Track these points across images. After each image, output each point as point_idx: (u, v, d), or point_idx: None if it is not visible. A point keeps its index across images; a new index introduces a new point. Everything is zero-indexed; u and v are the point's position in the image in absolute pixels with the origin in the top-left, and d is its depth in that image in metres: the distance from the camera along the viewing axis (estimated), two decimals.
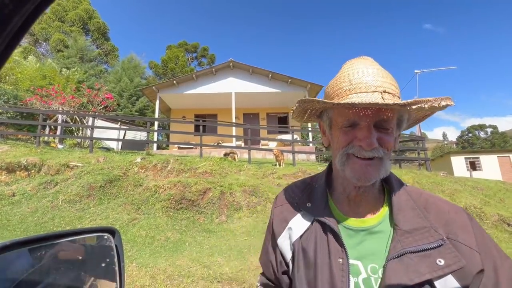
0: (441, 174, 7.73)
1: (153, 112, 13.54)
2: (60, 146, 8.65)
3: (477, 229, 0.51)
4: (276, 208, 0.68)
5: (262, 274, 0.75)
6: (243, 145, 12.03)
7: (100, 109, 10.41)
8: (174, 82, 11.58)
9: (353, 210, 0.58)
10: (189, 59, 34.77)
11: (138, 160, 6.91)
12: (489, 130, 49.56)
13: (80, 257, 0.54)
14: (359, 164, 0.51)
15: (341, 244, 0.53)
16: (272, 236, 0.66)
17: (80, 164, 6.65)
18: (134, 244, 4.16)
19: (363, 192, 0.56)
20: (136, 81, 23.66)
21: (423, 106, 0.47)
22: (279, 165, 7.94)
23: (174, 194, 5.53)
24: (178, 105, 13.70)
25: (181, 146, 11.29)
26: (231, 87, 11.81)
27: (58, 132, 9.17)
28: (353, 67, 0.55)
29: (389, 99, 0.48)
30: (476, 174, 17.26)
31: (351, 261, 0.53)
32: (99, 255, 0.61)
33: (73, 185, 5.70)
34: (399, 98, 0.52)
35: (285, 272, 0.63)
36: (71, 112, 9.05)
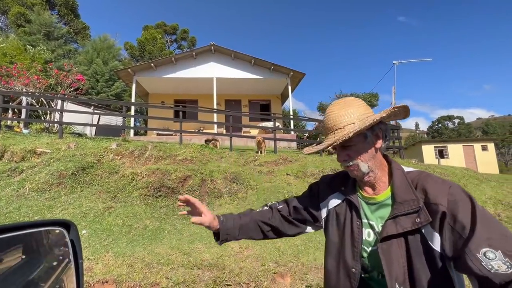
0: (413, 161, 8.17)
1: (131, 96, 12.86)
2: (25, 131, 7.99)
3: (454, 195, 0.74)
4: (321, 186, 1.02)
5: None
6: (224, 132, 11.89)
7: (70, 92, 9.66)
8: (152, 65, 10.97)
9: (369, 191, 0.88)
10: (168, 41, 33.13)
11: (114, 146, 6.58)
12: (456, 121, 52.91)
13: (23, 257, 0.46)
14: (348, 170, 0.88)
15: (359, 214, 0.87)
16: (315, 195, 1.02)
17: (48, 151, 6.22)
18: (110, 233, 4.01)
19: (368, 181, 0.87)
20: (111, 63, 22.19)
21: (355, 133, 0.78)
22: (261, 152, 7.96)
23: (152, 182, 5.37)
24: (156, 90, 13.10)
25: (160, 132, 10.92)
26: (212, 72, 11.43)
27: (23, 116, 8.43)
28: (326, 113, 0.88)
29: (338, 134, 0.82)
30: (443, 162, 18.52)
31: (368, 221, 0.86)
32: (49, 253, 0.53)
33: (41, 172, 5.33)
34: (353, 123, 0.82)
35: (312, 218, 1.00)
36: (36, 94, 8.31)
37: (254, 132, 12.10)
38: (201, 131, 11.01)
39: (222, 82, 11.67)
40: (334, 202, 0.94)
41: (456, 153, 20.75)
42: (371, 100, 12.59)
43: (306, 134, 12.54)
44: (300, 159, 7.51)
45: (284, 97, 13.94)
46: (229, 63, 11.65)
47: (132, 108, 10.82)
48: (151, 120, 11.71)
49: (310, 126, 14.86)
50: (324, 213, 0.97)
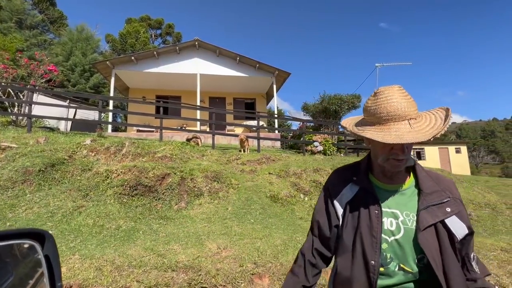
0: None
1: (115, 90, 12.27)
2: None
3: (458, 191, 0.88)
4: (332, 180, 0.98)
5: (310, 233, 1.00)
6: (208, 129, 11.67)
7: (41, 83, 9.04)
8: (133, 58, 10.52)
9: (387, 181, 0.88)
10: (153, 36, 32.18)
11: (88, 142, 6.23)
12: None
13: None
14: (395, 163, 0.81)
15: (377, 201, 0.84)
16: (329, 199, 0.95)
17: (14, 145, 5.78)
18: (78, 234, 3.76)
19: (394, 172, 0.86)
20: (90, 56, 21.15)
21: (442, 132, 0.77)
22: (244, 151, 7.86)
23: (128, 180, 5.12)
24: (137, 84, 12.60)
25: (141, 128, 10.52)
26: (196, 68, 11.15)
27: None
28: (387, 97, 0.79)
29: (415, 127, 0.76)
30: (420, 163, 19.27)
31: (390, 210, 0.84)
32: (11, 276, 0.38)
33: (5, 168, 4.94)
34: (420, 115, 0.82)
35: (336, 226, 0.91)
36: (3, 84, 7.69)
37: (239, 130, 11.96)
38: (184, 128, 10.73)
39: (206, 79, 11.42)
40: (349, 194, 0.90)
41: (432, 155, 21.73)
42: (354, 102, 12.83)
43: (291, 134, 12.57)
44: (283, 159, 7.49)
45: (269, 96, 13.91)
46: (214, 60, 11.42)
47: (111, 102, 10.33)
48: (131, 116, 11.26)
49: (294, 125, 14.95)
50: (340, 210, 0.91)
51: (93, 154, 6.00)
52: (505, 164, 37.95)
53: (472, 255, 0.83)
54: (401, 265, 0.81)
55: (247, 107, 13.62)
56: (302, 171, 6.67)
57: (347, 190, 0.91)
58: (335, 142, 8.77)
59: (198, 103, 10.67)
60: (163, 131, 9.08)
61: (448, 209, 0.81)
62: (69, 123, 11.26)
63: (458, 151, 22.39)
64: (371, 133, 0.79)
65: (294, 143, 11.16)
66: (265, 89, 13.15)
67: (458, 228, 0.80)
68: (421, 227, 0.79)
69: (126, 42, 25.34)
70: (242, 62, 11.43)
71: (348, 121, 0.96)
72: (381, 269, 0.81)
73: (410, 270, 0.81)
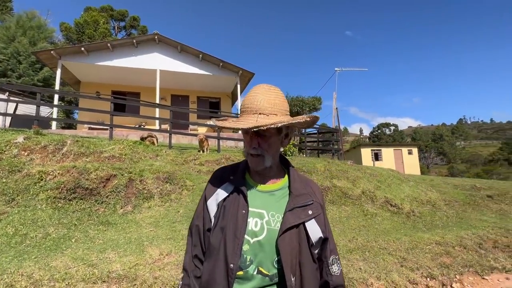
0: (349, 163, 8.79)
1: (64, 84, 11.14)
2: None
3: (322, 196, 0.92)
4: (210, 180, 0.95)
5: (190, 241, 0.93)
6: (169, 128, 11.19)
7: None
8: (83, 49, 9.61)
9: (261, 181, 0.87)
10: (116, 28, 30.19)
11: (20, 140, 5.52)
12: (392, 128, 59.96)
13: None
14: (250, 158, 0.84)
15: (246, 201, 0.82)
16: (204, 199, 0.92)
17: None
18: None
19: (263, 171, 0.85)
20: (40, 45, 19.09)
21: (278, 125, 0.73)
22: (203, 151, 7.63)
23: (65, 182, 4.62)
24: (90, 78, 11.59)
25: (93, 126, 9.69)
26: (156, 63, 10.58)
27: None
28: (251, 93, 0.81)
29: (261, 120, 0.75)
30: (378, 164, 20.67)
31: (257, 210, 0.82)
32: None
33: None
34: (276, 114, 0.78)
35: (209, 229, 0.86)
36: None
37: (202, 130, 11.64)
38: (142, 127, 10.13)
39: (167, 75, 10.90)
40: (222, 194, 0.87)
41: (388, 156, 23.41)
42: (315, 104, 13.27)
43: None
44: (243, 159, 7.42)
45: (235, 96, 13.78)
46: (175, 56, 10.95)
47: (56, 96, 9.33)
48: (82, 112, 10.33)
49: None
50: (213, 211, 0.87)
51: (25, 154, 5.33)
52: (451, 164, 42.39)
53: (331, 259, 0.87)
54: (260, 268, 0.79)
55: (212, 107, 13.32)
56: None
57: (222, 189, 0.88)
58: (297, 143, 8.92)
59: (158, 101, 10.13)
60: (118, 129, 8.49)
61: (310, 212, 0.83)
62: (8, 119, 10.01)
63: (410, 152, 24.41)
64: (225, 122, 0.82)
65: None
66: (230, 88, 12.98)
67: (314, 232, 0.83)
68: (282, 228, 0.78)
69: (83, 33, 23.37)
70: (205, 59, 11.12)
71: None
72: (240, 272, 0.78)
73: (267, 273, 0.79)
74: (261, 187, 0.86)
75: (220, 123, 0.83)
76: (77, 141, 6.04)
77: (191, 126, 11.55)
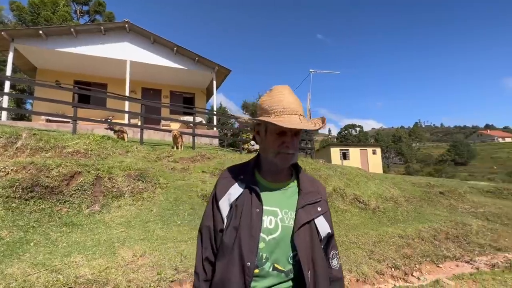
0: (321, 161, 9.15)
1: (16, 70, 9.83)
2: None
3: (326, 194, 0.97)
4: (220, 180, 0.93)
5: (200, 244, 0.92)
6: (139, 123, 10.61)
7: None
8: (41, 32, 8.62)
9: (272, 179, 0.89)
10: (78, 12, 27.67)
11: None
12: (357, 129, 63.48)
13: None
14: (283, 157, 0.83)
15: (259, 199, 0.84)
16: (215, 200, 0.90)
17: None
18: None
19: (281, 169, 0.88)
20: None
21: (316, 129, 0.85)
22: (177, 147, 7.38)
23: (21, 180, 4.15)
24: (48, 65, 10.47)
25: (51, 118, 8.81)
26: (126, 53, 9.91)
27: None
28: (282, 94, 0.84)
29: (304, 121, 0.82)
30: (345, 162, 21.80)
31: (271, 208, 0.84)
32: None
33: None
34: (303, 115, 0.84)
35: (221, 230, 0.85)
36: None
37: (175, 126, 11.22)
38: (109, 120, 9.45)
39: (138, 67, 10.28)
40: (234, 194, 0.87)
41: (355, 155, 24.85)
42: None
43: (231, 132, 12.45)
44: (218, 157, 7.31)
45: (209, 92, 13.48)
46: (148, 47, 10.36)
47: (6, 83, 8.27)
48: (38, 103, 9.32)
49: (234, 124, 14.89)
50: (225, 211, 0.86)
51: None
52: (408, 164, 46.26)
53: (332, 253, 0.93)
54: (275, 265, 0.81)
55: (186, 102, 12.87)
56: None
57: (234, 189, 0.88)
58: None
59: (127, 93, 9.52)
60: (82, 123, 7.83)
61: (319, 209, 0.88)
62: None
63: (374, 152, 26.19)
64: (268, 119, 0.80)
65: (234, 141, 11.11)
66: (205, 84, 12.67)
67: (323, 228, 0.87)
68: (297, 225, 0.82)
69: (38, 14, 21.04)
70: (180, 53, 10.69)
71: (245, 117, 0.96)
72: (256, 270, 0.79)
73: (283, 269, 0.81)
74: (273, 185, 0.88)
75: (266, 119, 0.80)
76: (34, 134, 5.45)
77: (163, 122, 11.06)
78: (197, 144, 9.06)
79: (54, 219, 3.94)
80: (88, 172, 4.80)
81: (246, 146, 8.29)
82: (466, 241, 5.67)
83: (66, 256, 3.11)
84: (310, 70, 14.91)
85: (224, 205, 0.87)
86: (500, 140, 72.38)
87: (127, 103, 8.85)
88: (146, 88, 11.96)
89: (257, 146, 8.35)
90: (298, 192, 0.89)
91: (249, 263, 0.77)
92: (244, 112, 14.87)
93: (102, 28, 9.63)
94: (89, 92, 8.47)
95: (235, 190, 0.87)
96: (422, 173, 33.63)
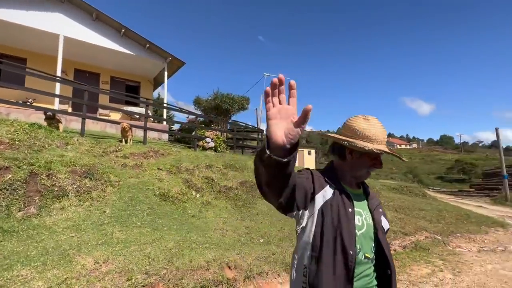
0: None
1: None
2: None
3: None
4: (317, 176, 1.08)
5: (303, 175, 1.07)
6: (69, 110, 9.12)
7: None
8: None
9: (352, 187, 1.13)
10: None
11: None
12: None
13: None
14: (370, 173, 1.14)
15: (351, 201, 1.05)
16: (313, 182, 1.04)
17: None
18: None
19: (362, 181, 1.17)
20: None
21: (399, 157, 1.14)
22: (126, 141, 6.73)
23: None
24: None
25: None
26: (59, 27, 8.29)
27: None
28: (380, 125, 1.09)
29: (387, 149, 1.07)
30: None
31: (357, 209, 1.06)
32: None
33: None
34: None
35: (304, 200, 1.00)
36: None
37: (115, 116, 10.04)
38: (30, 103, 7.82)
39: (73, 45, 8.73)
40: (328, 194, 1.04)
41: None
42: (243, 103, 13.76)
43: (180, 127, 11.85)
44: (173, 153, 6.99)
45: (157, 82, 12.48)
46: (89, 24, 8.92)
47: None
48: None
49: (179, 118, 14.18)
50: (318, 205, 1.01)
51: None
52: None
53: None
54: (366, 254, 1.03)
55: (129, 91, 11.54)
56: (194, 167, 6.49)
57: (327, 190, 1.05)
58: (225, 140, 9.11)
59: (59, 73, 8.00)
60: None
61: (381, 210, 1.16)
62: None
63: (309, 153, 28.96)
64: (372, 146, 1.03)
65: (182, 137, 10.66)
66: (153, 74, 11.65)
67: (385, 225, 1.15)
68: (377, 223, 1.09)
69: None
70: (128, 36, 9.56)
71: (333, 134, 1.17)
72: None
73: (369, 257, 1.04)
74: (354, 192, 1.13)
75: (370, 145, 1.02)
76: None
77: (101, 111, 9.70)
78: (149, 139, 8.41)
79: None
80: (19, 167, 4.02)
81: (201, 143, 8.12)
82: None
83: (7, 270, 2.62)
84: (264, 74, 15.49)
85: (319, 198, 1.02)
86: (398, 146, 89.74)
87: (58, 85, 7.45)
88: (80, 70, 10.24)
89: (212, 144, 8.30)
90: (366, 197, 1.15)
91: (351, 252, 0.96)
92: (195, 107, 14.31)
93: None
94: (3, 66, 6.77)
95: (328, 191, 1.04)
96: None
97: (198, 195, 5.77)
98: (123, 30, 9.21)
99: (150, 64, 10.44)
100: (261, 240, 4.89)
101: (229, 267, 3.70)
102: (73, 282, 2.63)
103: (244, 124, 11.54)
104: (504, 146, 17.89)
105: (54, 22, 8.17)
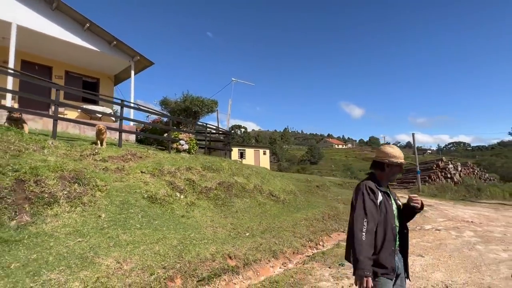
0: (238, 161, 10.33)
1: None
2: None
3: None
4: (370, 189, 1.80)
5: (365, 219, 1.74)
6: (17, 106, 8.11)
7: None
8: None
9: (386, 187, 1.94)
10: None
11: None
12: (242, 130, 69.72)
13: None
14: (396, 177, 2.01)
15: (390, 199, 1.88)
16: (373, 196, 1.77)
17: None
18: None
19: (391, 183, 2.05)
20: None
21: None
22: (101, 144, 6.52)
23: None
24: None
25: None
26: (12, 14, 7.22)
27: None
28: (399, 150, 1.96)
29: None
30: (243, 161, 24.25)
31: (391, 201, 1.86)
32: None
33: None
34: None
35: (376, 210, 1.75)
36: None
37: (72, 114, 9.22)
38: None
39: (26, 35, 7.70)
40: (380, 196, 1.79)
41: (250, 155, 28.01)
42: (212, 106, 13.93)
43: (143, 126, 11.41)
44: (151, 156, 7.04)
45: (118, 79, 11.71)
46: (46, 13, 7.94)
47: None
48: None
49: (139, 116, 13.53)
50: (378, 203, 1.78)
51: None
52: (280, 162, 55.58)
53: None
54: (396, 225, 1.84)
55: (87, 88, 10.58)
56: (176, 169, 6.71)
57: (379, 194, 1.81)
58: (197, 142, 9.34)
59: (12, 65, 7.01)
60: None
61: (397, 199, 1.98)
62: None
63: (264, 153, 30.48)
64: (401, 161, 1.89)
65: (146, 137, 10.41)
66: (115, 70, 10.91)
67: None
68: (399, 207, 1.93)
69: None
70: (92, 31, 8.82)
71: (375, 158, 2.02)
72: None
73: (398, 226, 1.86)
74: (386, 190, 1.91)
75: (400, 161, 1.88)
76: None
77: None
78: (111, 140, 8.11)
79: None
80: (3, 174, 3.85)
81: (175, 145, 8.23)
82: (339, 219, 8.40)
83: (35, 275, 2.72)
84: (232, 79, 15.89)
85: (378, 202, 1.77)
86: (336, 146, 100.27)
87: (11, 79, 6.60)
88: (28, 61, 8.98)
89: (186, 146, 8.50)
90: (389, 192, 1.92)
91: (395, 225, 1.79)
92: (162, 108, 13.78)
93: None
94: None
95: (379, 196, 1.79)
96: (292, 170, 41.54)
97: (182, 196, 6.07)
98: (87, 24, 8.45)
99: (114, 61, 9.80)
100: (247, 234, 5.55)
101: (230, 257, 4.28)
102: (106, 280, 2.89)
103: (214, 126, 11.83)
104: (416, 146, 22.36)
105: (5, 8, 7.10)
